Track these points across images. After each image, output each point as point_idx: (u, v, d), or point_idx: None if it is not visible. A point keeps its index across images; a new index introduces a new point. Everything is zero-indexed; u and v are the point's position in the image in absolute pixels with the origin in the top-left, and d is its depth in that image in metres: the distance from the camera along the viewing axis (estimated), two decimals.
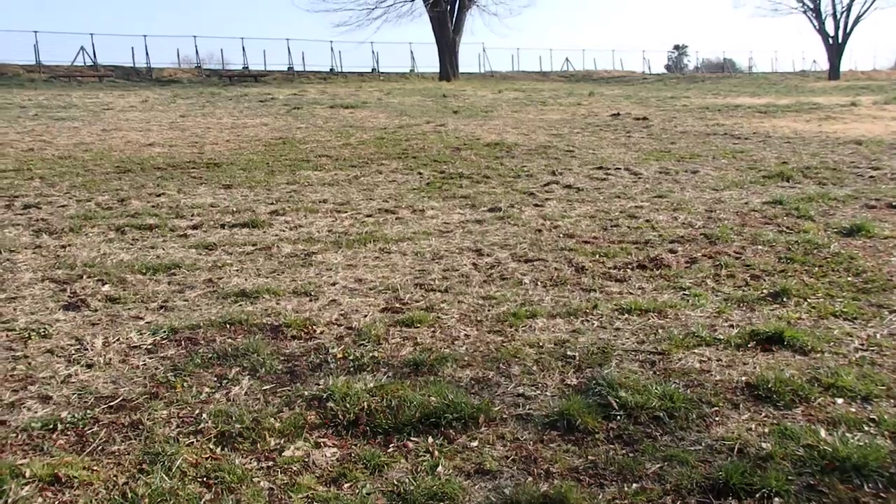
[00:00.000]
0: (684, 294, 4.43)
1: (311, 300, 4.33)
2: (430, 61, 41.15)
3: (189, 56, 39.42)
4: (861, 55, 61.46)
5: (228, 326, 3.88)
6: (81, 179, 8.49)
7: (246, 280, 4.71)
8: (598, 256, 5.25)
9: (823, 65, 55.97)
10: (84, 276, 4.73)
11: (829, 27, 52.54)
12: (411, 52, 43.13)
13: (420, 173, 9.07)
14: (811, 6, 52.28)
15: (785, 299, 4.30)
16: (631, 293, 4.46)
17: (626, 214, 6.65)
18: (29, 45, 33.41)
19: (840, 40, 52.35)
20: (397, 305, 4.23)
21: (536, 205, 7.12)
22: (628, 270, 4.92)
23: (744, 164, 9.76)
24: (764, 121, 15.95)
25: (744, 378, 3.23)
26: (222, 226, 6.20)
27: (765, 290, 4.46)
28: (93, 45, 34.83)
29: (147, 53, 35.87)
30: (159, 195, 7.57)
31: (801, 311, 4.11)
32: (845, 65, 54.94)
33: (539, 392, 3.12)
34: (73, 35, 34.99)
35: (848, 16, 52.18)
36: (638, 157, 10.45)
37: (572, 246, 5.54)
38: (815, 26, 52.83)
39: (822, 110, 18.64)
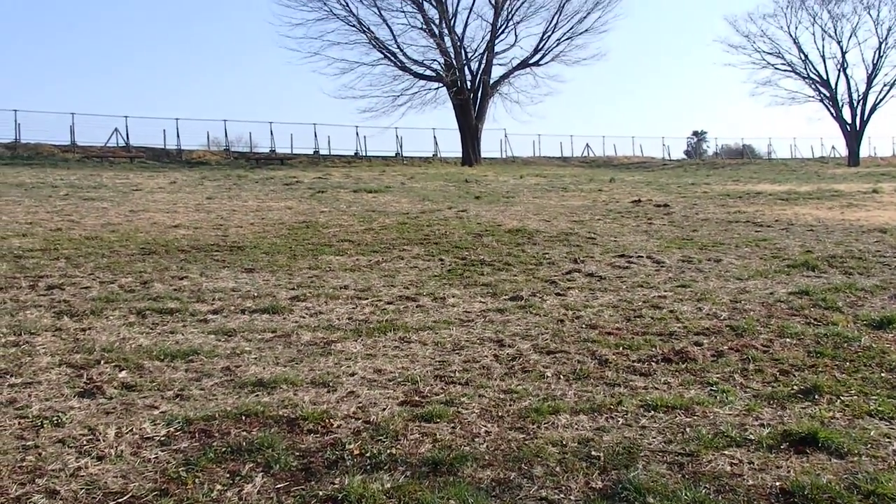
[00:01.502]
0: (712, 390, 4.28)
1: (329, 391, 4.24)
2: (452, 146, 42.05)
3: (218, 138, 40.42)
4: (880, 141, 61.74)
5: (244, 418, 3.78)
6: (106, 261, 8.55)
7: (264, 369, 4.63)
8: (621, 348, 5.13)
9: (842, 151, 56.28)
10: (102, 362, 4.68)
11: (847, 114, 53.06)
12: (434, 138, 43.97)
13: (441, 259, 9.05)
14: (827, 95, 52.94)
15: (817, 396, 4.15)
16: (656, 388, 4.33)
17: (649, 304, 6.54)
18: (66, 126, 34.48)
19: (858, 127, 52.75)
20: (416, 398, 4.13)
21: (558, 294, 7.04)
22: (653, 364, 4.80)
23: (767, 253, 9.66)
24: (786, 208, 15.90)
25: (778, 483, 3.07)
26: (243, 311, 6.16)
27: (795, 387, 4.32)
28: (126, 126, 35.90)
29: (178, 135, 36.88)
30: (182, 278, 7.58)
31: (835, 410, 3.95)
32: (864, 151, 55.23)
33: (563, 496, 2.98)
34: (109, 117, 36.05)
35: (864, 104, 52.75)
36: (660, 245, 10.39)
37: (595, 337, 5.43)
38: (832, 114, 53.38)
39: (843, 197, 18.58)
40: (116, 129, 35.71)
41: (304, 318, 6.01)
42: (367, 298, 6.76)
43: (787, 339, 5.36)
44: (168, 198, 16.76)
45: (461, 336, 5.47)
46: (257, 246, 9.90)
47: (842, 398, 4.14)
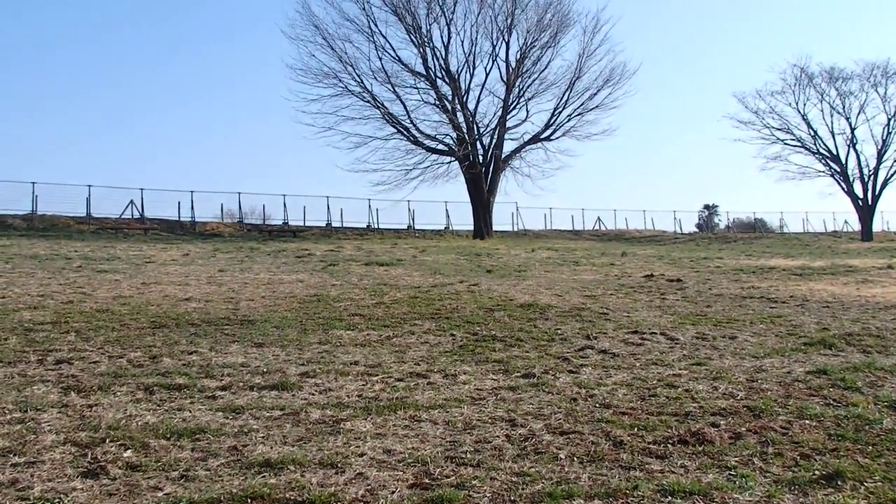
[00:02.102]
0: (730, 474, 4.17)
1: (337, 473, 4.15)
2: (464, 219, 42.24)
3: (232, 210, 40.91)
4: (893, 216, 61.86)
5: (250, 501, 3.70)
6: (116, 334, 8.54)
7: (271, 448, 4.55)
8: (636, 429, 5.02)
9: (855, 225, 56.30)
10: (107, 440, 4.61)
11: (858, 189, 53.28)
12: (446, 211, 44.37)
13: (453, 335, 9.00)
14: (838, 170, 53.26)
15: (839, 482, 4.02)
16: (673, 472, 4.21)
17: (664, 383, 6.44)
18: (82, 198, 35.01)
19: (870, 202, 52.89)
20: (426, 481, 4.03)
21: (571, 371, 6.95)
22: (669, 446, 4.68)
23: (783, 330, 9.55)
24: (800, 284, 15.80)
25: None
26: (251, 388, 6.11)
27: (816, 472, 4.19)
28: (142, 198, 36.44)
29: (192, 207, 37.34)
30: (191, 353, 7.55)
31: (859, 497, 3.83)
32: (877, 225, 55.23)
33: None
34: (125, 189, 36.67)
35: (876, 179, 53.00)
36: (674, 321, 10.30)
37: (609, 417, 5.33)
38: (843, 188, 53.61)
39: (858, 273, 18.47)
40: (132, 201, 36.25)
41: (313, 395, 5.94)
42: (378, 375, 6.69)
43: (807, 421, 5.25)
44: (180, 270, 16.86)
45: (472, 415, 5.39)
46: (268, 320, 9.89)
47: (865, 484, 4.01)
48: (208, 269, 17.16)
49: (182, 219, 36.90)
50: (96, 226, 32.66)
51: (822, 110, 53.45)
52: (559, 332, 9.29)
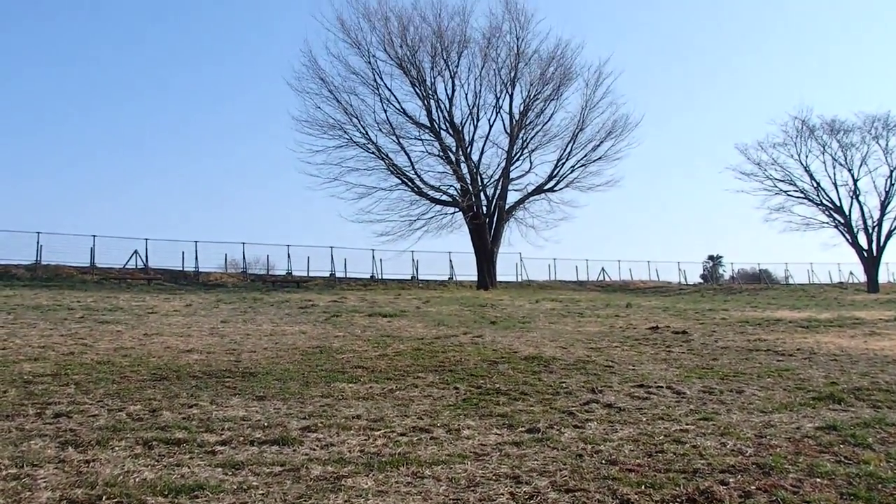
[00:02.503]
0: None
1: None
2: (468, 269, 42.27)
3: (236, 260, 41.01)
4: None
5: None
6: (116, 387, 8.47)
7: None
8: (643, 487, 4.92)
9: (861, 276, 56.18)
10: (104, 497, 4.53)
11: (863, 241, 53.32)
12: (450, 261, 44.41)
13: (456, 388, 8.91)
14: (842, 221, 53.36)
15: None
16: None
17: (671, 439, 6.33)
18: (86, 248, 35.11)
19: (874, 254, 52.88)
20: None
21: (576, 426, 6.86)
22: None
23: (791, 384, 9.44)
24: (807, 336, 15.69)
25: None
26: (251, 442, 6.02)
27: None
28: (146, 249, 36.55)
29: (196, 258, 37.43)
30: (191, 406, 7.47)
31: None
32: (882, 277, 55.12)
33: None
34: (129, 240, 36.80)
35: (880, 230, 53.05)
36: (680, 375, 10.20)
37: (616, 474, 5.23)
38: (848, 240, 53.67)
39: (865, 325, 18.35)
40: (136, 252, 36.34)
41: (314, 450, 5.86)
42: (380, 429, 6.60)
43: (818, 479, 5.14)
44: (183, 321, 16.81)
45: (476, 471, 5.29)
46: (270, 372, 9.81)
47: None
48: (211, 320, 17.11)
49: (186, 269, 36.95)
50: (100, 276, 32.71)
51: (824, 162, 53.83)
52: (564, 385, 9.20)
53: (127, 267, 35.62)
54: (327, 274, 40.98)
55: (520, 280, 47.00)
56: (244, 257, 40.72)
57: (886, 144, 52.35)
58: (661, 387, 9.10)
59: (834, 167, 53.38)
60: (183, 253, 37.27)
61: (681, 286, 51.79)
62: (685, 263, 57.85)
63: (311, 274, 40.61)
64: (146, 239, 36.84)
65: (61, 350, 11.48)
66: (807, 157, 53.73)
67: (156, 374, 9.48)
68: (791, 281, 60.30)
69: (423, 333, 15.38)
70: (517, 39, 40.91)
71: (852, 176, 52.98)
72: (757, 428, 6.80)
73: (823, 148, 53.48)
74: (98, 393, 8.07)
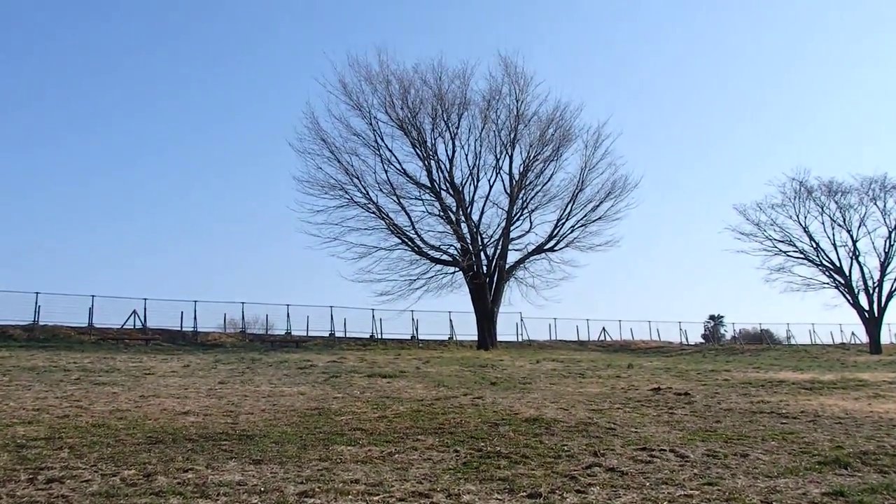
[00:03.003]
0: None
1: None
2: (468, 329, 42.07)
3: (235, 320, 40.85)
4: None
5: None
6: (111, 450, 8.35)
7: None
8: None
9: (863, 337, 55.92)
10: None
11: (864, 301, 53.25)
12: (450, 321, 44.25)
13: (457, 451, 8.78)
14: (842, 282, 53.35)
15: None
16: None
17: None
18: (85, 308, 35.02)
19: (876, 314, 52.75)
20: None
21: (579, 490, 6.74)
22: None
23: (796, 448, 9.31)
24: (811, 398, 15.53)
25: None
26: None
27: None
28: (145, 309, 36.46)
29: (195, 318, 37.33)
30: (187, 470, 7.35)
31: None
32: (884, 338, 54.88)
33: None
34: (128, 300, 36.74)
35: (881, 291, 53.00)
36: (683, 437, 10.06)
37: None
38: (849, 301, 53.57)
39: (869, 387, 18.20)
40: (135, 311, 36.24)
41: None
42: (379, 494, 6.48)
43: None
44: (180, 382, 16.67)
45: None
46: (267, 435, 9.69)
47: None
48: (208, 381, 16.96)
49: (184, 329, 36.79)
50: (97, 336, 32.55)
51: (822, 223, 54.03)
52: (566, 448, 9.07)
53: (125, 327, 35.48)
54: (327, 333, 40.79)
55: (520, 340, 46.75)
56: (243, 317, 40.62)
57: (884, 206, 52.67)
58: (665, 450, 8.97)
59: (833, 228, 53.61)
60: (182, 313, 37.21)
61: (682, 346, 51.50)
62: (686, 323, 57.53)
63: (311, 333, 40.43)
64: (145, 299, 36.82)
65: (56, 413, 11.36)
66: (805, 218, 54.03)
67: (151, 437, 9.36)
68: (793, 341, 60.01)
69: (423, 394, 15.23)
70: (517, 102, 41.50)
71: (851, 237, 53.18)
72: (763, 493, 6.69)
73: (822, 209, 53.80)
74: (92, 457, 7.96)
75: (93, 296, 35.40)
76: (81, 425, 10.15)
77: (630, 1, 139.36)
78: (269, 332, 40.93)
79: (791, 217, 54.24)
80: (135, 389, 14.89)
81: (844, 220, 53.16)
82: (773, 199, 55.21)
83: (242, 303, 40.44)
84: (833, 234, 53.58)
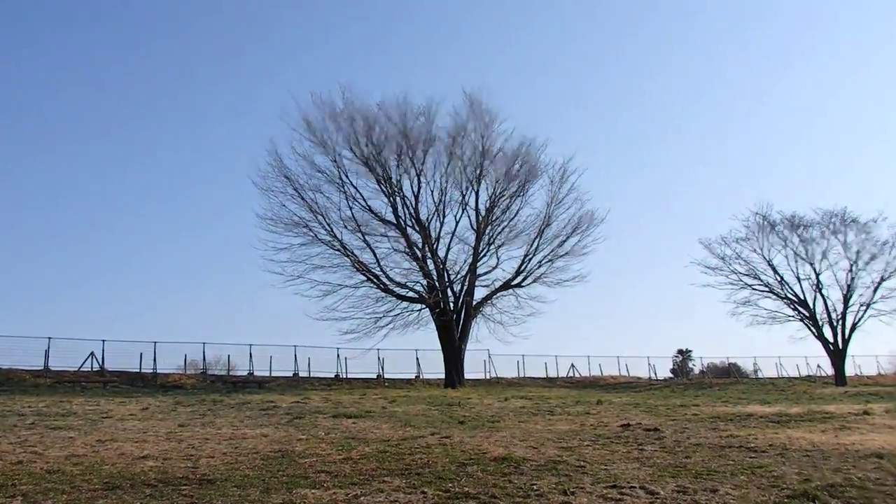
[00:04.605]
0: None
1: None
2: (435, 367, 41.92)
3: (196, 360, 40.27)
4: (864, 360, 62.56)
5: None
6: (66, 497, 8.14)
7: None
8: None
9: (828, 370, 56.73)
10: None
11: (828, 334, 54.09)
12: (417, 359, 44.10)
13: (424, 492, 8.69)
14: (807, 314, 54.19)
15: None
16: None
17: None
18: (40, 351, 34.32)
19: (840, 346, 53.60)
20: None
21: None
22: None
23: (765, 482, 9.37)
24: (778, 431, 15.67)
25: None
26: None
27: None
28: (103, 350, 35.86)
29: (155, 359, 36.76)
30: None
31: None
32: (849, 370, 55.73)
33: None
34: (85, 341, 36.06)
35: (844, 323, 53.93)
36: (653, 474, 10.08)
37: None
38: (814, 333, 54.40)
39: (835, 419, 18.42)
40: (92, 353, 35.58)
41: None
42: None
43: None
44: (139, 425, 16.33)
45: None
46: (229, 479, 9.51)
47: None
48: (168, 424, 16.64)
49: (143, 370, 36.17)
50: (53, 379, 31.81)
51: (786, 256, 55.01)
52: (535, 487, 9.02)
53: (82, 370, 34.77)
54: (290, 374, 40.37)
55: (488, 377, 46.68)
56: (204, 357, 40.05)
57: (845, 239, 53.86)
58: (635, 486, 8.97)
59: (796, 261, 54.60)
60: (141, 354, 36.61)
61: (651, 381, 51.79)
62: (655, 358, 58.17)
63: (274, 374, 40.00)
64: (103, 340, 36.19)
65: (9, 459, 11.04)
66: (769, 251, 55.00)
67: (109, 482, 9.13)
68: (760, 374, 60.72)
69: (390, 435, 15.09)
70: (482, 138, 41.86)
71: (814, 270, 54.18)
72: None
73: (785, 242, 54.82)
74: None
75: (49, 338, 34.76)
76: (36, 472, 9.87)
77: (596, 41, 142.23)
78: (230, 373, 40.37)
79: (755, 250, 55.23)
80: (91, 433, 14.55)
81: (807, 253, 54.23)
82: (738, 232, 56.18)
83: (203, 343, 39.96)
84: (797, 268, 54.61)
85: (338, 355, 41.90)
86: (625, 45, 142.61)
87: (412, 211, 40.84)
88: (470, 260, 41.16)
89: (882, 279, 53.35)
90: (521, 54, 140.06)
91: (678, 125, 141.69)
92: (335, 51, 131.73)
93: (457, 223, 41.77)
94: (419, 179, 40.77)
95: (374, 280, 39.47)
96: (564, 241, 42.35)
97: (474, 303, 41.04)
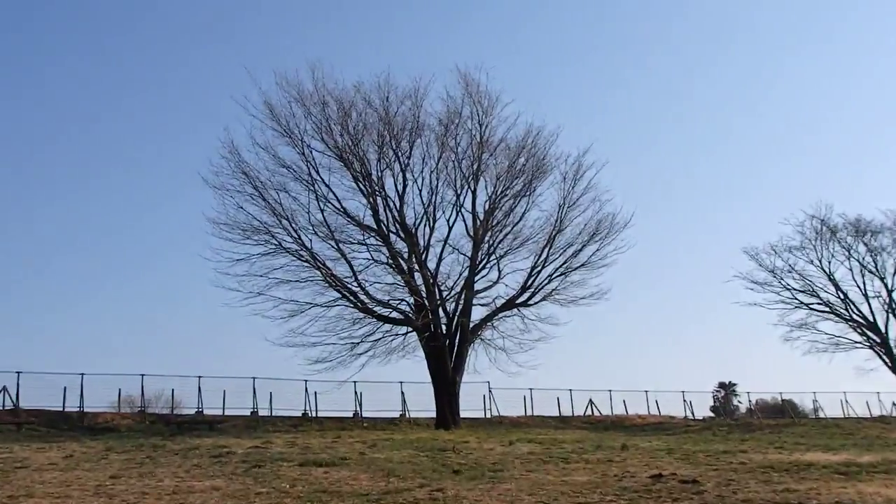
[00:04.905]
0: None
1: None
2: (424, 403, 41.92)
3: (132, 396, 40.20)
4: None
5: None
6: None
7: None
8: None
9: None
10: None
11: None
12: (402, 393, 44.15)
13: None
14: (878, 340, 53.90)
15: None
16: None
17: None
18: None
19: None
20: None
21: None
22: None
23: None
24: (846, 485, 15.59)
25: None
26: None
27: None
28: (17, 385, 35.67)
29: (82, 395, 36.62)
30: None
31: None
32: None
33: None
34: None
35: None
36: None
37: None
38: (886, 363, 54.07)
39: None
40: (5, 388, 35.38)
41: None
42: None
43: None
44: (61, 477, 16.20)
45: None
46: None
47: None
48: (97, 476, 16.51)
49: (67, 409, 36.05)
50: None
51: (850, 268, 54.89)
52: None
53: None
54: (248, 412, 40.25)
55: (489, 416, 46.63)
56: (143, 393, 39.91)
57: None
58: None
59: (863, 275, 54.43)
60: (65, 389, 36.46)
61: (687, 422, 51.72)
62: (692, 393, 57.83)
63: (228, 412, 39.90)
64: (18, 372, 36.01)
65: None
66: (829, 262, 54.85)
67: None
68: (822, 414, 60.42)
69: (369, 487, 14.99)
70: (480, 126, 41.97)
71: (885, 286, 53.96)
72: None
73: (849, 252, 54.69)
74: None
75: None
76: None
77: (627, 8, 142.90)
78: (175, 412, 40.21)
79: (812, 262, 55.12)
80: (2, 488, 14.41)
81: (876, 265, 54.13)
82: (791, 240, 56.02)
83: (142, 375, 39.83)
84: (864, 283, 54.44)
85: (306, 389, 41.88)
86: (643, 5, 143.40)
87: (396, 214, 40.85)
88: (466, 273, 41.17)
89: None
90: (526, 23, 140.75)
91: (714, 100, 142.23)
92: (303, 22, 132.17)
93: (450, 228, 41.83)
94: (404, 176, 40.87)
95: (351, 297, 39.40)
96: (580, 250, 42.40)
97: (471, 325, 40.96)
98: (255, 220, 38.52)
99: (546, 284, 42.29)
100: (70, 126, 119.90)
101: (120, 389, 39.66)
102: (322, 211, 39.68)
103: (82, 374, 37.08)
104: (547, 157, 43.13)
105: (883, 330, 53.66)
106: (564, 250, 42.45)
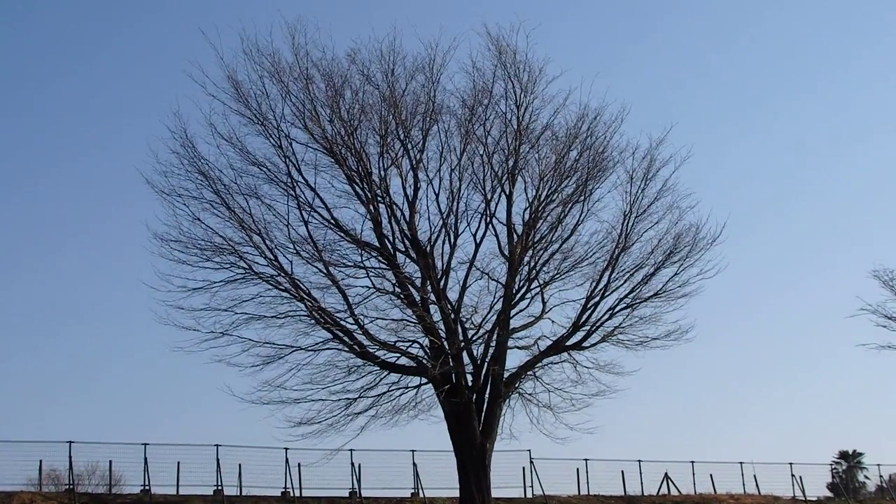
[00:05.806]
0: None
1: None
2: (444, 479, 41.72)
3: (57, 470, 40.13)
4: None
5: None
6: None
7: None
8: None
9: None
10: None
11: None
12: (414, 465, 43.89)
13: None
14: None
15: None
16: None
17: None
18: None
19: None
20: None
21: None
22: None
23: None
24: None
25: None
26: None
27: None
28: None
29: None
30: None
31: None
32: None
33: None
34: None
35: None
36: None
37: None
38: None
39: None
40: None
41: None
42: None
43: None
44: None
45: None
46: None
47: None
48: None
49: None
50: None
51: None
52: None
53: None
54: (210, 490, 40.21)
55: (530, 495, 46.38)
56: (70, 466, 39.79)
57: None
58: None
59: None
60: None
61: (797, 503, 51.24)
62: (802, 465, 57.29)
63: (184, 490, 39.87)
64: None
65: None
66: None
67: None
68: None
69: None
70: (517, 108, 41.19)
71: None
72: None
73: None
74: None
75: None
76: None
77: None
78: (113, 491, 40.22)
79: None
80: None
81: None
82: None
83: (70, 442, 39.72)
84: None
85: (286, 460, 41.76)
86: None
87: (405, 226, 40.18)
88: (499, 306, 40.61)
89: None
90: None
91: (829, 77, 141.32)
92: None
93: (477, 246, 41.06)
94: (416, 176, 40.23)
95: (345, 338, 38.85)
96: (652, 274, 41.60)
97: (506, 375, 40.49)
98: (216, 236, 37.76)
99: (606, 320, 41.56)
100: None
101: (41, 461, 39.68)
102: (306, 223, 38.86)
103: None
104: (607, 149, 42.34)
105: None
106: (631, 275, 41.63)
